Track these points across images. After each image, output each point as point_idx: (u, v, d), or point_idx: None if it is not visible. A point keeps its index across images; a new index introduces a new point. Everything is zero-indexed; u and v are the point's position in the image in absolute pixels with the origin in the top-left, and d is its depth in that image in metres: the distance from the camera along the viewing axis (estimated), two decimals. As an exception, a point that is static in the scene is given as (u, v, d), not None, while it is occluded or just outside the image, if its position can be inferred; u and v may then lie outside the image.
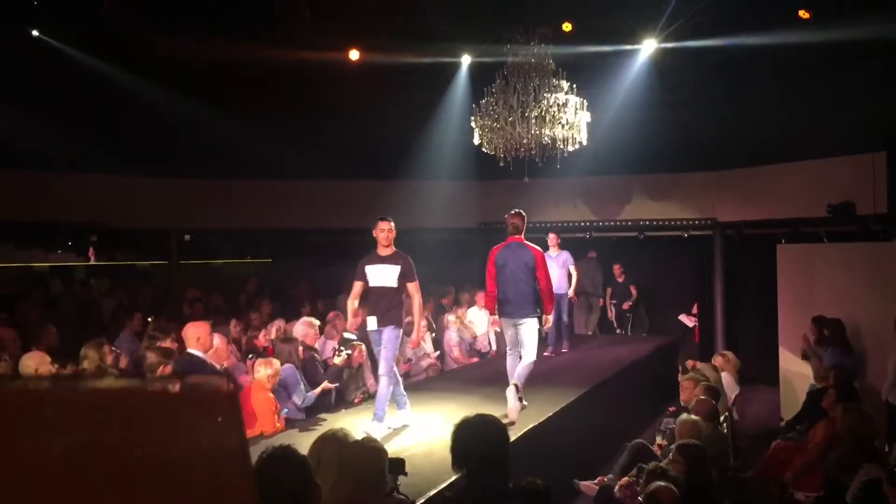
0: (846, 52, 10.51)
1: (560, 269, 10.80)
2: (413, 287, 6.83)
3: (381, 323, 6.81)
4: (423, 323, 7.25)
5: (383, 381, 6.75)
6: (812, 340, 9.50)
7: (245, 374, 8.07)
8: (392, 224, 6.92)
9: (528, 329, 7.11)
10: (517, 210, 7.52)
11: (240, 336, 9.38)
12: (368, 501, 3.29)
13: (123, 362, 6.94)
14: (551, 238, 11.10)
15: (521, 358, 7.17)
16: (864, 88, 10.77)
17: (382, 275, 6.78)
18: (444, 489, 4.90)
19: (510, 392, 6.81)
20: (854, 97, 10.85)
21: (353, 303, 7.11)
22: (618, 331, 14.65)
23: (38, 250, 14.67)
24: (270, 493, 2.80)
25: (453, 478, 4.74)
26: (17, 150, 11.27)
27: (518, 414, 6.81)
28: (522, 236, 7.34)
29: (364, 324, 7.14)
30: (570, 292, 11.27)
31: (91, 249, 14.86)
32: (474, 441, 3.70)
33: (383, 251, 6.85)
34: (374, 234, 6.92)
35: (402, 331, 7.06)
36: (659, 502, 4.14)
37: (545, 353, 10.22)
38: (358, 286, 6.96)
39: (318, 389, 7.71)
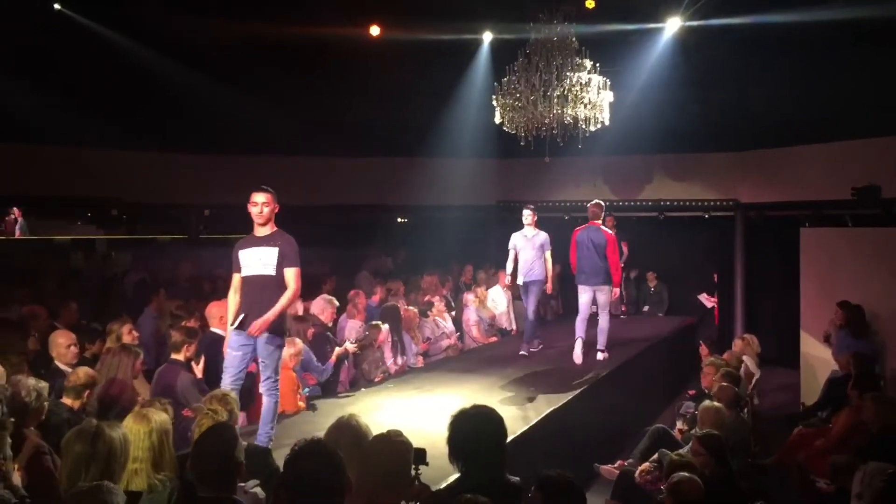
0: (873, 32, 10.32)
1: (534, 251, 9.13)
2: (291, 275, 5.48)
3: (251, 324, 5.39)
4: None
5: (266, 401, 5.57)
6: (837, 325, 9.44)
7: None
8: (270, 197, 5.59)
9: (603, 294, 8.98)
10: (597, 201, 9.41)
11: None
12: (393, 495, 3.29)
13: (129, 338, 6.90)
14: (527, 215, 9.26)
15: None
16: (892, 69, 10.59)
17: (255, 260, 5.52)
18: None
19: (578, 344, 8.95)
20: (881, 78, 10.68)
21: (233, 297, 5.66)
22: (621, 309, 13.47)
23: (58, 223, 14.79)
24: (302, 487, 2.81)
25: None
26: (37, 125, 11.28)
27: (583, 360, 8.86)
28: (600, 222, 9.14)
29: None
30: (548, 283, 9.34)
31: (16, 211, 14.38)
32: (470, 433, 3.68)
33: (259, 231, 5.60)
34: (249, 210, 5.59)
35: (283, 339, 5.63)
36: (684, 494, 4.13)
37: (520, 353, 9.37)
38: (236, 279, 5.66)
39: (333, 358, 7.73)
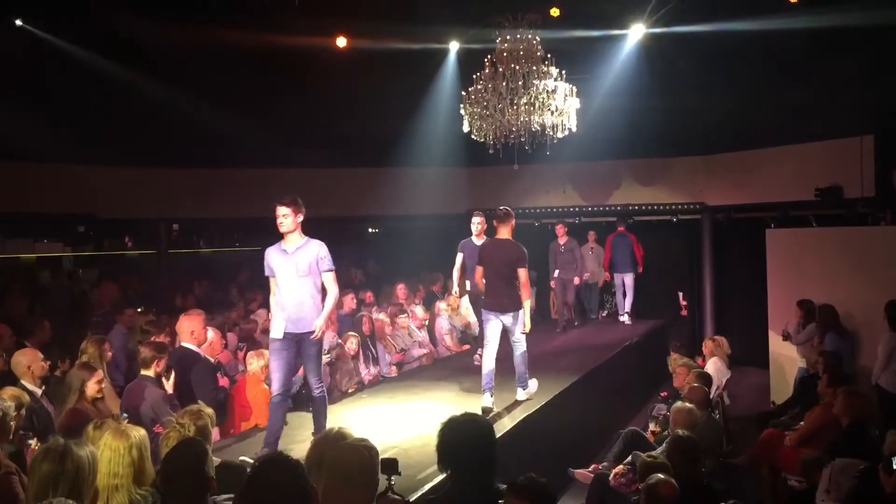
0: (834, 37, 10.52)
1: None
2: None
3: None
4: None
5: None
6: (796, 323, 9.57)
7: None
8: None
9: (629, 278, 12.90)
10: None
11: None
12: (361, 502, 3.27)
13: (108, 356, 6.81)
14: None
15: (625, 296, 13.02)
16: (852, 72, 10.79)
17: None
18: (429, 491, 4.84)
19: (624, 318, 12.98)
20: (842, 81, 10.88)
21: None
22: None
23: (25, 241, 14.54)
24: (265, 500, 2.79)
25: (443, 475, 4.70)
26: (4, 141, 11.12)
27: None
28: (624, 228, 13.12)
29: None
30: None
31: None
32: (461, 441, 3.68)
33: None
34: None
35: None
36: (660, 496, 4.15)
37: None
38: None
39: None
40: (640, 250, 12.91)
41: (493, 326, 7.14)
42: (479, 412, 6.42)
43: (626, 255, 12.87)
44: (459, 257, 9.35)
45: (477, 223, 9.23)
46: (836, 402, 6.13)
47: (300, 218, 6.05)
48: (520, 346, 7.23)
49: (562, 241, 12.58)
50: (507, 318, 7.08)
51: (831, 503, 4.62)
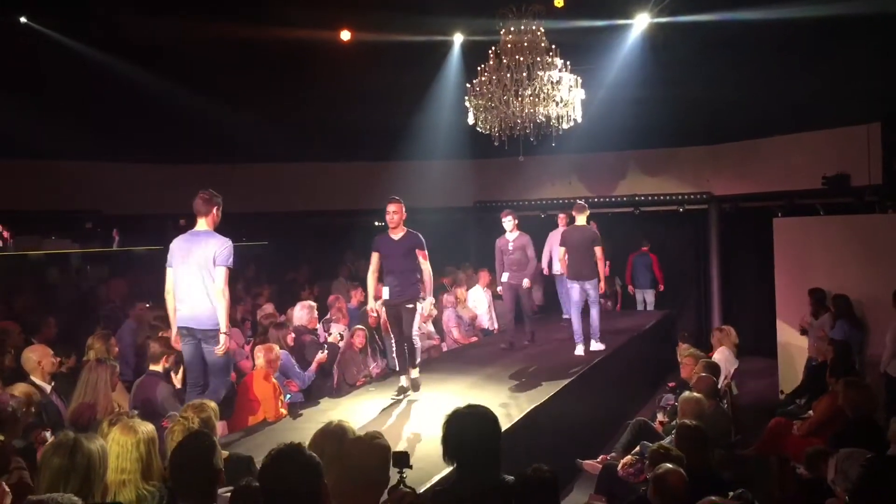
0: (840, 25, 10.45)
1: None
2: None
3: None
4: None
5: None
6: (808, 313, 9.55)
7: (245, 360, 8.12)
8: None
9: (651, 295, 14.33)
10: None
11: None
12: (373, 497, 3.28)
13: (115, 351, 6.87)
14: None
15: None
16: (859, 60, 10.73)
17: None
18: (437, 483, 4.84)
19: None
20: (848, 69, 10.81)
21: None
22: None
23: (32, 237, 14.62)
24: (279, 493, 2.80)
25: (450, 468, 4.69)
26: (12, 138, 11.16)
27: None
28: (647, 248, 14.31)
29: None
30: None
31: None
32: (466, 433, 3.69)
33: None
34: None
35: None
36: (668, 485, 4.15)
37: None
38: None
39: (314, 365, 7.76)
40: (660, 271, 14.17)
41: (577, 291, 9.40)
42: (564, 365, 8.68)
43: (646, 273, 14.15)
44: (375, 258, 7.58)
45: (392, 211, 7.53)
46: (840, 394, 6.13)
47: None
48: (595, 305, 9.44)
49: (510, 235, 9.98)
50: (586, 284, 9.33)
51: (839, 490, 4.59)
